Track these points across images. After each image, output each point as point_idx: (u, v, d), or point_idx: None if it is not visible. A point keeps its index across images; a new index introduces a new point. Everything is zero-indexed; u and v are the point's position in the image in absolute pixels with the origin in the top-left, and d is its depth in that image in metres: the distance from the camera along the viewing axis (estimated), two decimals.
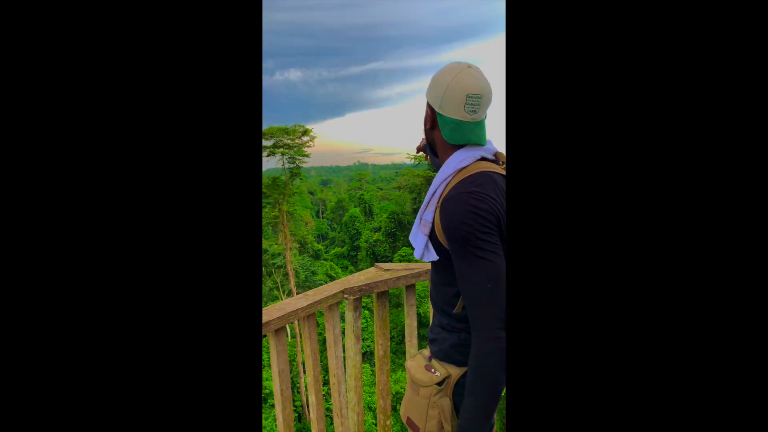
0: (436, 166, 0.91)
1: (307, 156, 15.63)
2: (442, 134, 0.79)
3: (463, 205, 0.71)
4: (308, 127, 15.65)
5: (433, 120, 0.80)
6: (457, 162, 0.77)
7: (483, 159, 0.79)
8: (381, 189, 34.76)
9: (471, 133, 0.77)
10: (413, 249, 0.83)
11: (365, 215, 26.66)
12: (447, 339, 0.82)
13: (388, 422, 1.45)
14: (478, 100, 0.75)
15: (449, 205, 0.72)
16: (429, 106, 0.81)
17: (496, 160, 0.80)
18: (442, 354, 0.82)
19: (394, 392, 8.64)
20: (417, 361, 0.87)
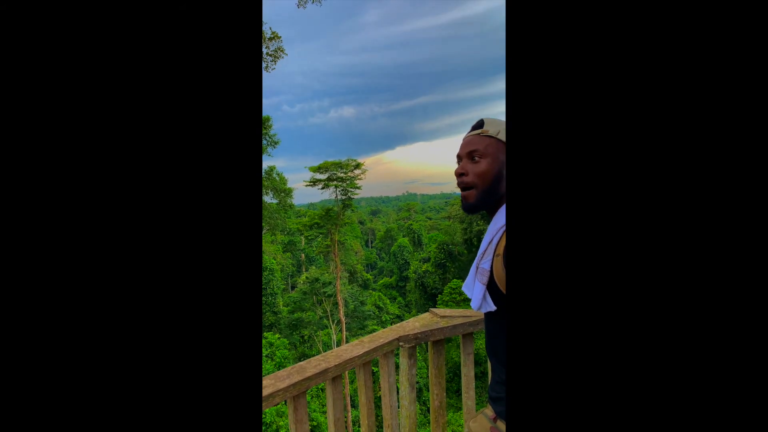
0: (478, 210, 0.82)
1: (358, 188, 16.16)
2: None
3: None
4: (360, 160, 16.26)
5: (498, 163, 0.75)
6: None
7: None
8: (430, 219, 34.55)
9: None
10: (463, 281, 0.79)
11: (414, 245, 26.47)
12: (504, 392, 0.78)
13: None
14: None
15: None
16: (490, 146, 0.76)
17: None
18: (500, 408, 0.78)
19: None
20: (480, 422, 0.83)
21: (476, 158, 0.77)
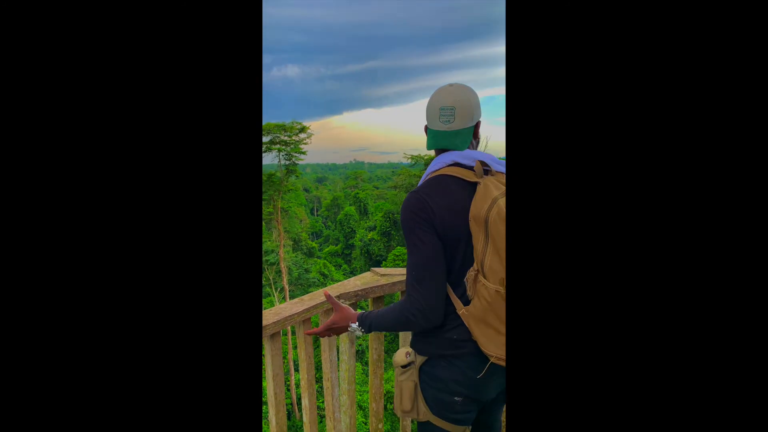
0: None
1: (303, 153, 15.54)
2: (429, 140, 0.91)
3: (405, 204, 0.86)
4: (305, 123, 15.54)
5: (428, 138, 0.93)
6: (432, 167, 0.90)
7: (456, 164, 0.87)
8: (377, 188, 34.69)
9: (446, 141, 0.88)
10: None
11: (360, 214, 26.61)
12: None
13: (380, 425, 1.46)
14: (451, 112, 0.86)
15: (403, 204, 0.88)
16: (425, 129, 0.95)
17: (471, 166, 0.86)
18: (414, 341, 0.96)
19: (385, 391, 8.67)
20: (405, 347, 1.00)
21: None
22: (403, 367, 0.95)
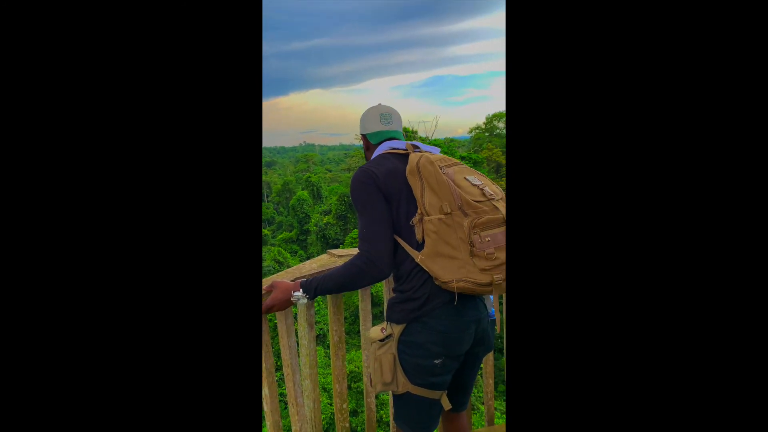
0: None
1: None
2: (371, 142, 1.13)
3: (354, 178, 1.01)
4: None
5: (366, 143, 1.15)
6: (374, 155, 1.08)
7: (393, 149, 1.06)
8: (330, 171, 34.14)
9: (387, 136, 1.12)
10: None
11: (314, 198, 26.10)
12: (390, 300, 1.04)
13: (344, 405, 1.47)
14: (389, 117, 1.14)
15: (350, 182, 1.02)
16: (362, 137, 1.16)
17: (404, 149, 1.05)
18: (387, 314, 1.04)
19: (348, 371, 8.83)
20: (380, 324, 1.07)
21: (365, 151, 1.19)
22: (381, 341, 1.01)
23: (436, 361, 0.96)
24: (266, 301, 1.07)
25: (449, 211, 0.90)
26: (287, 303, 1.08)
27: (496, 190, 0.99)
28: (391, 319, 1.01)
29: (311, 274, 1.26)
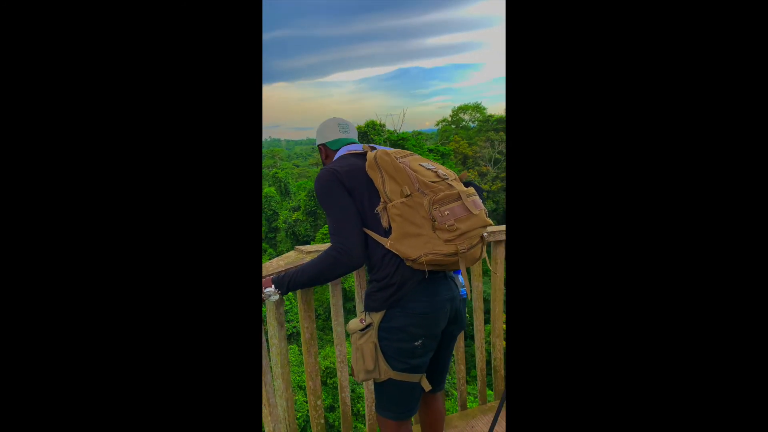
0: None
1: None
2: (330, 149, 1.21)
3: (318, 179, 1.07)
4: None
5: (326, 151, 1.23)
6: (333, 159, 1.17)
7: (351, 152, 1.15)
8: (297, 166, 33.45)
9: (346, 142, 1.21)
10: None
11: (281, 194, 25.50)
12: (366, 290, 1.08)
13: (319, 402, 1.46)
14: (346, 126, 1.24)
15: (314, 183, 1.08)
16: (320, 148, 1.25)
17: (362, 150, 1.13)
18: (365, 304, 1.07)
19: (323, 368, 8.78)
20: (358, 316, 1.11)
21: (323, 160, 1.25)
22: (362, 330, 1.04)
23: (416, 343, 1.02)
24: None
25: (409, 193, 0.97)
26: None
27: (448, 172, 1.07)
28: (369, 308, 1.05)
29: (280, 271, 1.23)
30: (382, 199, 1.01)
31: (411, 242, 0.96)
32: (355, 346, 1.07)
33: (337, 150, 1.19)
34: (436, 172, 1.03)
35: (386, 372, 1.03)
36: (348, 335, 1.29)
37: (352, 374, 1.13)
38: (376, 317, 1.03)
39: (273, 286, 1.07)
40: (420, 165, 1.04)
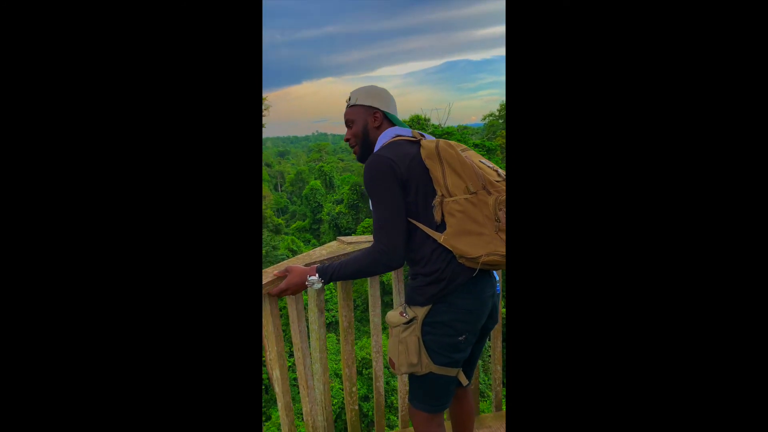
0: (364, 159, 1.15)
1: (262, 126, 14.84)
2: (387, 120, 1.12)
3: (368, 164, 1.01)
4: (262, 95, 14.68)
5: (381, 120, 1.11)
6: (381, 141, 1.09)
7: (399, 135, 1.09)
8: (342, 160, 34.16)
9: (398, 121, 1.14)
10: None
11: (326, 187, 26.21)
12: (411, 285, 1.05)
13: (354, 389, 1.49)
14: (395, 105, 1.16)
15: (365, 168, 1.03)
16: (374, 112, 1.11)
17: (412, 136, 1.08)
18: (408, 298, 1.05)
19: (359, 358, 8.97)
20: (395, 309, 1.09)
21: (350, 125, 1.14)
22: (406, 324, 1.03)
23: (460, 338, 1.01)
24: (280, 285, 1.11)
25: (475, 190, 0.95)
26: (301, 287, 1.11)
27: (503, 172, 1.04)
28: (414, 302, 1.03)
29: (323, 260, 1.27)
30: (439, 192, 0.97)
31: (471, 240, 0.94)
32: (397, 339, 1.05)
33: (388, 128, 1.11)
34: (497, 170, 1.01)
35: (428, 365, 1.02)
36: (385, 327, 1.30)
37: (388, 366, 1.14)
38: (421, 311, 1.01)
39: (317, 274, 1.07)
40: (481, 162, 1.02)
